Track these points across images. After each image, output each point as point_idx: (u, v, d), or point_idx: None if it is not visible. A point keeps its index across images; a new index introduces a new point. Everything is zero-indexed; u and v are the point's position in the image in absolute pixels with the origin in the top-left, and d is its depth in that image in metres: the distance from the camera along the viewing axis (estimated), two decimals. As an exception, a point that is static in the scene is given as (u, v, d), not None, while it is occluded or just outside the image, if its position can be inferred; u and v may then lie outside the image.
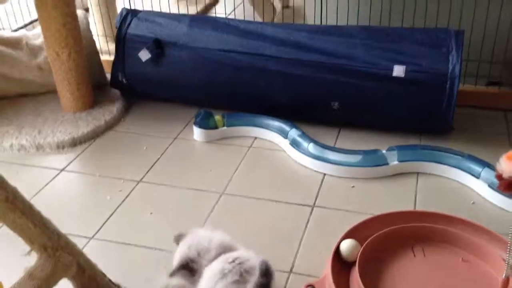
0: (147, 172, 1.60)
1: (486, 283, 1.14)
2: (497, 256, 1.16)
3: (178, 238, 1.16)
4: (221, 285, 0.99)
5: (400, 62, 1.63)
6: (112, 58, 1.97)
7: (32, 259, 1.09)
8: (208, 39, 1.81)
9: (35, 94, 2.00)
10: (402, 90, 1.63)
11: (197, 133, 1.77)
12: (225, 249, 1.09)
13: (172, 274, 1.08)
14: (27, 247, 1.10)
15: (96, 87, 2.00)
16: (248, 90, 1.80)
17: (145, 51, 1.84)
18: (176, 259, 1.12)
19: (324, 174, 1.56)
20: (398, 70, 1.61)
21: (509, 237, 1.06)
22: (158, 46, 1.83)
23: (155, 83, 1.91)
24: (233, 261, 1.02)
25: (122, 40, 1.89)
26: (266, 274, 0.98)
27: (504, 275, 1.10)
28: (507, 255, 1.08)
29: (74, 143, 1.74)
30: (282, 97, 1.77)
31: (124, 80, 1.94)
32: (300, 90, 1.74)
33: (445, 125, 1.67)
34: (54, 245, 1.09)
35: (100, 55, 2.07)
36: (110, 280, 1.18)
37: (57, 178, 1.59)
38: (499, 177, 0.98)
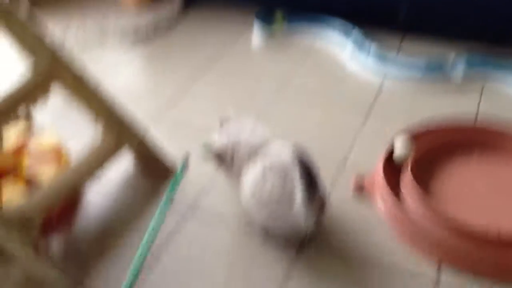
0: (206, 72, 1.63)
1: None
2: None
3: (222, 121, 1.13)
4: (266, 187, 0.99)
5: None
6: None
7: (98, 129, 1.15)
8: None
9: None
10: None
11: (257, 31, 1.75)
12: (261, 145, 1.06)
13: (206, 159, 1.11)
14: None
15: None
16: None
17: None
18: (214, 142, 1.11)
19: (384, 80, 1.53)
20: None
21: None
22: None
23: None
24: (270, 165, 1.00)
25: None
26: (304, 164, 0.99)
27: None
28: None
29: (138, 37, 1.77)
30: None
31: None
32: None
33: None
34: (117, 120, 1.14)
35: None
36: (169, 160, 1.24)
37: (122, 58, 1.66)
38: None
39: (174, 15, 1.89)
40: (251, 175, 1.01)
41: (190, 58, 1.69)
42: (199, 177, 1.21)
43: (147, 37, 1.79)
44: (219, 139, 1.09)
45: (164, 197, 0.99)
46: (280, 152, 1.02)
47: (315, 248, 1.03)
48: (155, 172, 1.23)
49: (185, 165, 1.04)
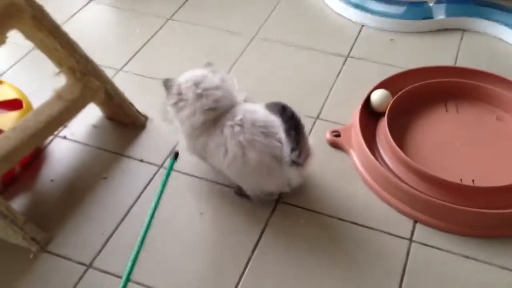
0: (178, 9, 1.54)
1: (518, 143, 1.11)
2: (535, 116, 1.12)
3: (166, 83, 0.99)
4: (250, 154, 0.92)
5: None
6: None
7: (62, 81, 1.10)
8: None
9: None
10: None
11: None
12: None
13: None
14: (56, 69, 1.10)
15: None
16: None
17: None
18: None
19: (362, 25, 1.48)
20: None
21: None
22: None
23: None
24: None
25: None
26: (288, 113, 0.91)
27: (538, 135, 1.06)
28: (546, 115, 1.03)
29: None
30: None
31: None
32: None
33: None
34: (82, 69, 1.08)
35: None
36: (137, 110, 1.19)
37: (86, 8, 1.55)
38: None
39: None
40: (229, 136, 0.93)
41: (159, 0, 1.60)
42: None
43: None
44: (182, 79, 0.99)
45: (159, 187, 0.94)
46: (256, 108, 0.96)
47: (291, 204, 1.02)
48: (122, 121, 1.19)
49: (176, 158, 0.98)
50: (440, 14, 1.44)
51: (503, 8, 1.42)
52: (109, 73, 1.18)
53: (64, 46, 1.05)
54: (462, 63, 1.34)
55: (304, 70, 1.34)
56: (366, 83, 1.21)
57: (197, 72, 0.99)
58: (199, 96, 0.95)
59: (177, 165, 1.00)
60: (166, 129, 1.09)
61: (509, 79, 1.20)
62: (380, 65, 1.35)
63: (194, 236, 0.98)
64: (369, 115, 1.16)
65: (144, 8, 1.54)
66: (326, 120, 1.19)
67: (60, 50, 1.05)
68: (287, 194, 1.01)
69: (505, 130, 1.13)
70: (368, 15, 1.47)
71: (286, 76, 1.32)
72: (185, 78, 0.98)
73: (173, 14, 1.53)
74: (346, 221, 0.99)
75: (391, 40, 1.43)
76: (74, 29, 1.43)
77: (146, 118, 1.20)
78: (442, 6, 1.44)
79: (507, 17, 1.40)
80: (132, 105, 1.19)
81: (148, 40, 1.43)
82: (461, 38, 1.43)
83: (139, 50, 1.40)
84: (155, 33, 1.46)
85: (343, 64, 1.35)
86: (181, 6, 1.55)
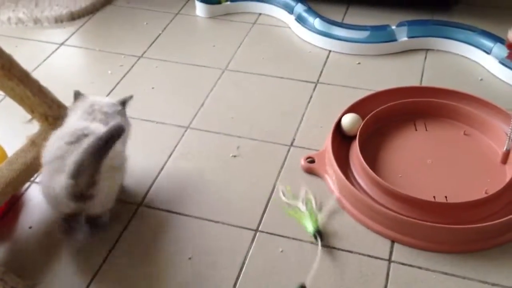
0: (148, 48, 1.57)
1: (487, 156, 1.14)
2: (500, 129, 1.15)
3: (76, 96, 1.05)
4: (57, 145, 0.94)
5: None
6: None
7: (34, 127, 1.10)
8: None
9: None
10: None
11: (200, 7, 1.69)
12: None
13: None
14: (28, 116, 1.10)
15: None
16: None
17: None
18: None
19: (330, 51, 1.52)
20: None
21: (514, 110, 1.04)
22: None
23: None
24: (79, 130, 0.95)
25: None
26: (109, 135, 0.88)
27: (505, 147, 1.10)
28: (510, 128, 1.06)
29: (73, 17, 1.68)
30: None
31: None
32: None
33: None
34: (55, 113, 1.09)
35: None
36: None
37: (56, 52, 1.56)
38: (509, 46, 0.93)
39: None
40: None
41: (130, 33, 1.62)
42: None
43: (86, 15, 1.70)
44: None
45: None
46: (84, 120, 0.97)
47: (270, 233, 1.03)
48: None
49: None
50: (403, 36, 1.49)
51: (462, 26, 1.47)
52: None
53: (35, 93, 1.05)
54: (427, 81, 1.38)
55: (276, 98, 1.36)
56: (337, 107, 1.24)
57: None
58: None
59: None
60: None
61: (473, 95, 1.24)
62: (349, 88, 1.38)
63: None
64: (341, 139, 1.19)
65: (115, 49, 1.56)
66: (300, 147, 1.21)
67: (31, 97, 1.06)
68: (268, 224, 1.02)
69: (472, 145, 1.17)
70: (335, 41, 1.51)
71: (259, 105, 1.34)
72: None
73: (144, 52, 1.55)
74: (325, 246, 1.00)
75: (358, 63, 1.47)
76: (47, 74, 1.46)
77: (122, 157, 1.21)
78: (404, 29, 1.49)
79: (466, 34, 1.45)
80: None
81: (121, 80, 1.45)
82: (425, 58, 1.47)
83: (112, 91, 1.41)
84: (128, 71, 1.48)
85: (314, 90, 1.38)
86: (151, 44, 1.58)
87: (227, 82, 1.43)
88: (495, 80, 1.38)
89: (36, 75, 1.06)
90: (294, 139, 1.23)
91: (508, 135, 1.08)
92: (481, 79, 1.39)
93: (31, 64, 1.49)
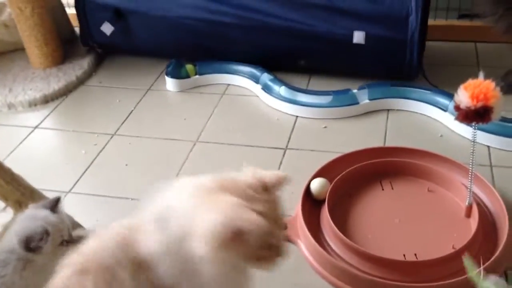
0: (121, 125, 1.61)
1: (451, 211, 1.18)
2: (461, 184, 1.20)
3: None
4: None
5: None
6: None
7: (9, 215, 1.12)
8: (168, 4, 1.75)
9: (4, 52, 1.97)
10: (365, 52, 1.63)
11: (170, 83, 1.76)
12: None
13: None
14: (2, 204, 1.12)
15: (65, 42, 1.96)
16: (216, 47, 1.78)
17: (107, 25, 1.78)
18: None
19: (297, 117, 1.58)
20: (358, 37, 1.60)
21: (470, 165, 1.09)
22: (119, 16, 1.78)
23: (126, 46, 1.89)
24: None
25: (82, 8, 1.83)
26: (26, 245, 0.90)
27: (467, 202, 1.14)
28: (469, 182, 1.11)
29: (46, 100, 1.73)
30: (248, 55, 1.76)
31: (95, 45, 1.92)
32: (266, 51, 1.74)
33: (412, 75, 1.65)
34: (28, 200, 1.11)
35: (67, 8, 2.02)
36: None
37: (31, 136, 1.59)
38: (457, 107, 1.00)
39: (86, 71, 1.85)
40: None
41: (103, 112, 1.67)
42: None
43: (59, 97, 1.75)
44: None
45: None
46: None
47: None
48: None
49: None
50: (364, 99, 1.56)
51: (418, 86, 1.56)
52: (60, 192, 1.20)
53: (8, 182, 1.08)
54: (391, 141, 1.44)
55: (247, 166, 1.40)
56: (306, 172, 1.28)
57: None
58: None
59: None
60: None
61: (434, 152, 1.29)
62: (317, 152, 1.43)
63: None
64: (312, 203, 1.22)
65: (89, 128, 1.61)
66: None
67: (4, 186, 1.08)
68: None
69: (437, 201, 1.21)
70: (300, 107, 1.58)
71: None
72: None
73: (117, 129, 1.59)
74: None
75: (325, 127, 1.53)
76: (22, 158, 1.48)
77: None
78: (365, 91, 1.57)
79: (422, 94, 1.53)
80: (81, 226, 1.21)
81: (95, 159, 1.48)
82: (387, 118, 1.54)
83: (86, 170, 1.44)
84: (101, 150, 1.51)
85: (283, 156, 1.43)
86: (124, 121, 1.63)
87: (198, 154, 1.47)
88: (454, 135, 1.45)
89: (11, 159, 1.09)
90: (266, 207, 1.26)
91: (469, 189, 1.13)
92: (441, 135, 1.45)
93: (6, 149, 1.51)
